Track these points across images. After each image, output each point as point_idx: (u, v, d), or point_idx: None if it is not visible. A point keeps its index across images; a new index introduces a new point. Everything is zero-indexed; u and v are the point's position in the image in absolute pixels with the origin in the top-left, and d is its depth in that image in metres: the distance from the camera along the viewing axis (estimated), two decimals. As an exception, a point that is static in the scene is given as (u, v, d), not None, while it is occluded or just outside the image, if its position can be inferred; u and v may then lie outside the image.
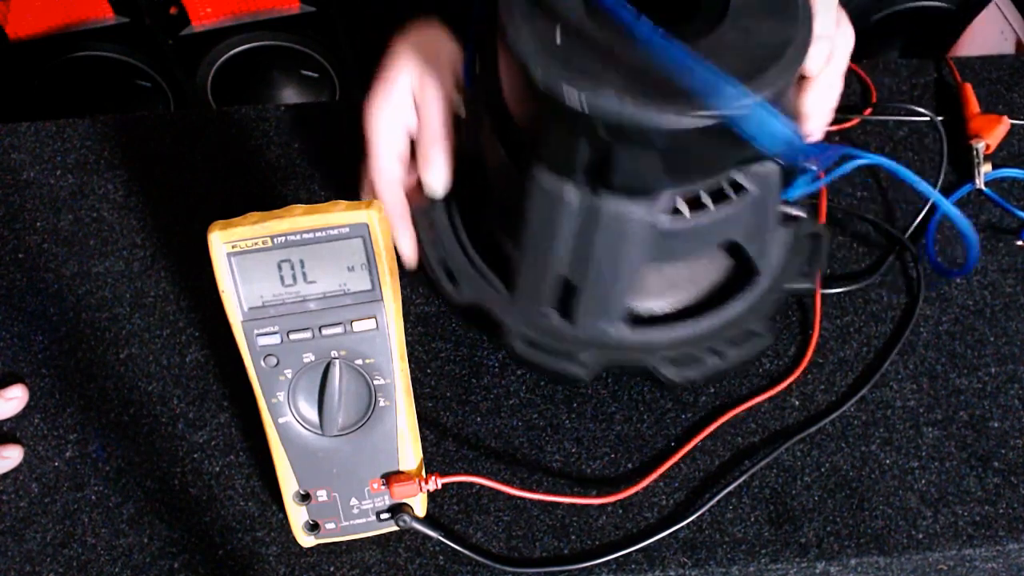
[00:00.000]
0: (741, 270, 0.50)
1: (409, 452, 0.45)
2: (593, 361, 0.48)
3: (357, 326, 0.41)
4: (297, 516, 0.46)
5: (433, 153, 0.49)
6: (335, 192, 0.60)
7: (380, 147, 0.50)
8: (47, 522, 0.48)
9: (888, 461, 0.50)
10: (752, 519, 0.48)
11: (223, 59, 1.21)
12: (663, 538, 0.47)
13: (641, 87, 0.38)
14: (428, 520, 0.47)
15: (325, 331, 0.41)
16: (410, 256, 0.51)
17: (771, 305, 0.50)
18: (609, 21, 0.40)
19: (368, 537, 0.47)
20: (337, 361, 0.42)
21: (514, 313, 0.49)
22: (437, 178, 0.50)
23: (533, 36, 0.40)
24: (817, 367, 0.53)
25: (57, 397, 0.52)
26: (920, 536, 0.47)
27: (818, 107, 0.47)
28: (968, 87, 0.64)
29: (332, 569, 0.47)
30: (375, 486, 0.45)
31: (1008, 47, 1.06)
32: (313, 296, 0.40)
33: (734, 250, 0.50)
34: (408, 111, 0.50)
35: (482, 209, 0.52)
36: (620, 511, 0.48)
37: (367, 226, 0.39)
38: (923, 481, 0.49)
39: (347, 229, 0.39)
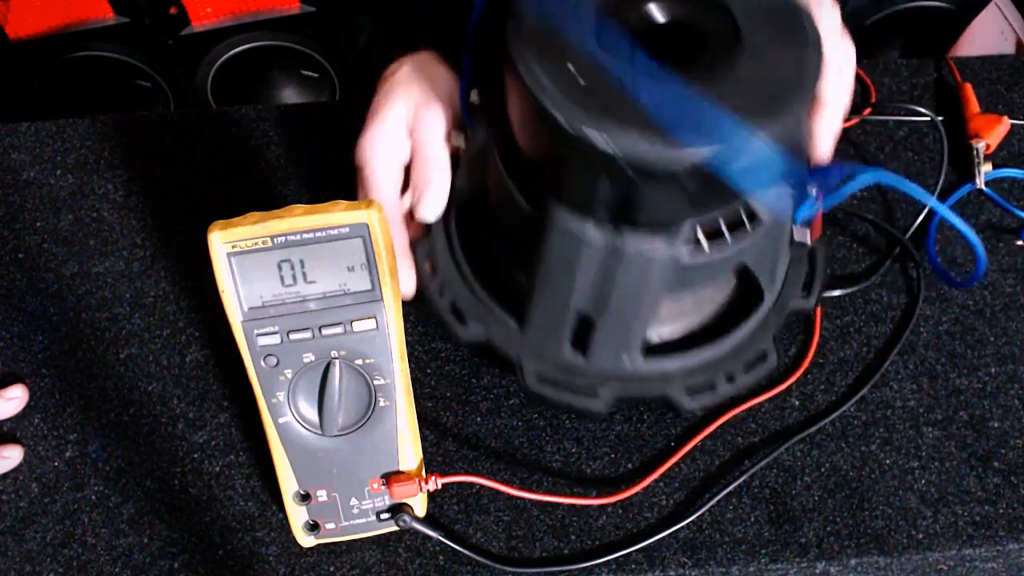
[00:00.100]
0: (745, 292, 0.50)
1: (409, 452, 0.45)
2: (610, 394, 0.47)
3: (357, 326, 0.41)
4: (297, 516, 0.46)
5: (426, 188, 0.49)
6: (335, 192, 0.59)
7: (377, 180, 0.49)
8: (47, 522, 0.48)
9: (888, 461, 0.50)
10: (752, 519, 0.48)
11: (223, 59, 1.21)
12: (663, 538, 0.47)
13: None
14: (428, 520, 0.47)
15: (325, 331, 0.41)
16: (410, 289, 0.50)
17: (776, 325, 0.50)
18: (620, 52, 0.39)
19: (368, 537, 0.47)
20: (337, 361, 0.42)
21: (525, 348, 0.48)
22: (429, 211, 0.49)
23: (550, 75, 0.39)
24: (817, 367, 0.53)
25: (57, 397, 0.52)
26: (920, 536, 0.47)
27: (828, 128, 0.47)
28: (968, 87, 0.64)
29: (332, 569, 0.47)
30: (375, 486, 0.45)
31: (1008, 47, 1.06)
32: (313, 296, 0.40)
33: (741, 273, 0.49)
34: (403, 144, 0.49)
35: (486, 242, 0.51)
36: (620, 511, 0.48)
37: (367, 226, 0.39)
38: (923, 481, 0.49)
39: (347, 229, 0.39)
